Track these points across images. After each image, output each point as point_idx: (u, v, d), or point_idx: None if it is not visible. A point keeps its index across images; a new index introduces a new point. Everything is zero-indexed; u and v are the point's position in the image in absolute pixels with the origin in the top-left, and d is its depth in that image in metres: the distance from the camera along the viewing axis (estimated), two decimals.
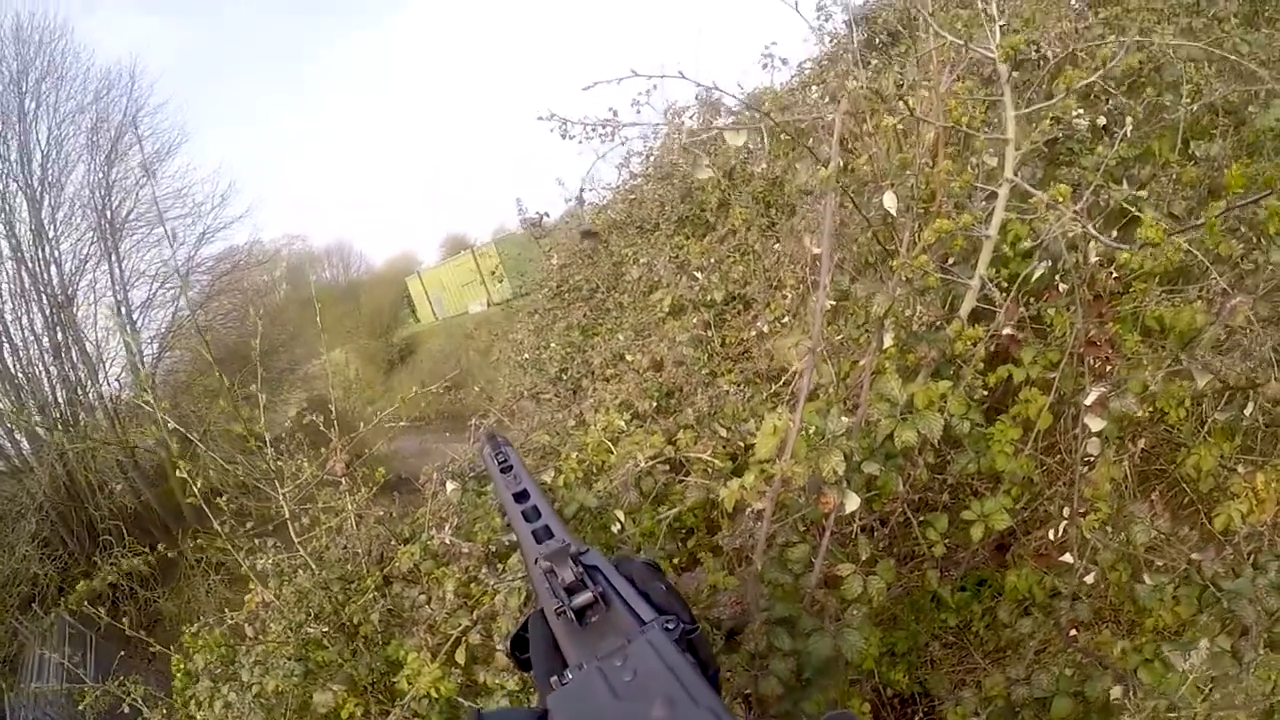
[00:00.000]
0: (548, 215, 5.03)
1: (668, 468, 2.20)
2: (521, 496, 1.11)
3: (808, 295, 2.82)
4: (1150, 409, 2.19)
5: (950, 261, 2.09)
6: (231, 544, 2.63)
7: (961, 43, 2.25)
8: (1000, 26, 2.29)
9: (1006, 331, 1.91)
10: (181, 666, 2.63)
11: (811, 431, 1.58)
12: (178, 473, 2.55)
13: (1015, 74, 2.42)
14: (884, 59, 4.26)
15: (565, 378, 4.00)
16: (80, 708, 3.01)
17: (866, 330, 2.14)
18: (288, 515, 2.67)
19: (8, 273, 15.30)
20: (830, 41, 5.18)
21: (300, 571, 2.59)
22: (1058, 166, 2.81)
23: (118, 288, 16.18)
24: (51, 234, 15.85)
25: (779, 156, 3.77)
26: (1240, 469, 2.29)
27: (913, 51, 2.56)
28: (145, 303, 16.52)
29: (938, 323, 1.92)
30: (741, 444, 2.18)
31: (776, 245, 3.30)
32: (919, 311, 1.85)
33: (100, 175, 16.31)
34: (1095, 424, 2.03)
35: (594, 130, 1.79)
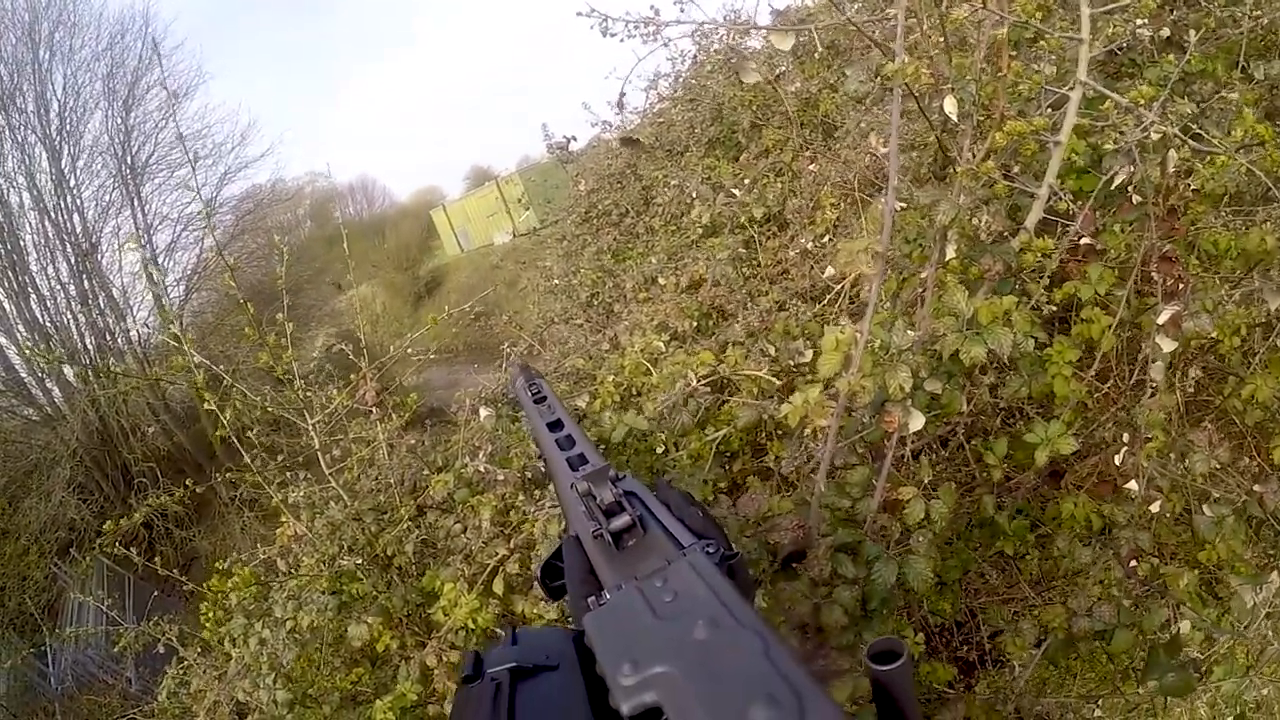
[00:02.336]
0: (575, 139, 4.89)
1: (709, 389, 2.11)
2: (555, 426, 1.11)
3: (850, 211, 2.70)
4: (1204, 336, 2.07)
5: (1017, 171, 1.95)
6: (262, 478, 2.59)
7: None
8: None
9: (1085, 241, 1.77)
10: (210, 613, 2.61)
11: (876, 345, 1.47)
12: (205, 407, 2.49)
13: None
14: None
15: (597, 302, 3.92)
16: (116, 649, 3.03)
17: (920, 243, 2.02)
18: (318, 447, 2.61)
19: (31, 223, 15.51)
20: None
21: (332, 503, 2.55)
22: (1118, 79, 2.64)
23: (141, 232, 16.24)
24: (73, 183, 15.98)
25: (814, 75, 3.60)
26: None
27: None
28: (170, 245, 16.66)
29: (1004, 233, 1.79)
30: (790, 362, 2.09)
31: (812, 166, 3.16)
32: (985, 221, 1.72)
33: (119, 121, 16.34)
34: (1167, 345, 1.90)
35: (635, 29, 1.66)
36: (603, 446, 2.03)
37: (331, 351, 2.88)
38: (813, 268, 2.59)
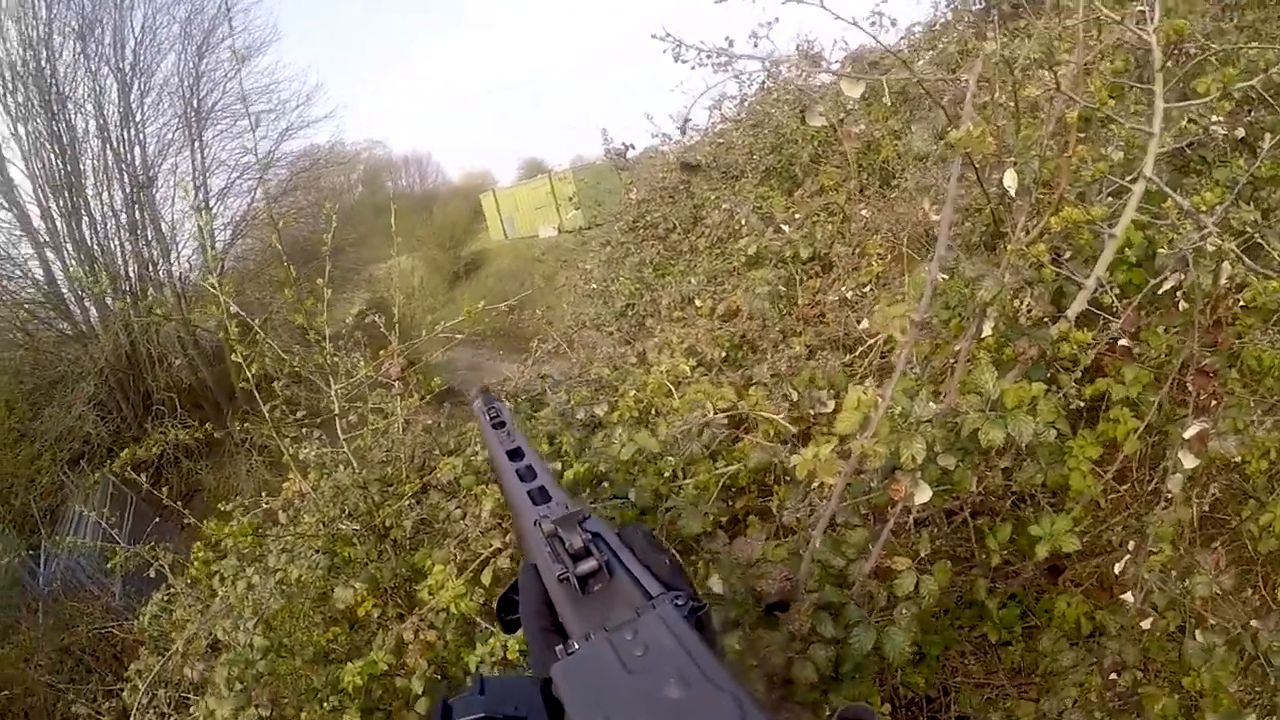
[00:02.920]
0: (633, 147, 4.91)
1: (725, 422, 2.11)
2: (515, 455, 1.06)
3: (895, 266, 2.69)
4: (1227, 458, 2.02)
5: (1067, 256, 1.93)
6: (278, 430, 2.62)
7: (1116, 19, 2.04)
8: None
9: (1122, 343, 1.76)
10: (200, 553, 2.64)
11: (897, 412, 1.47)
12: (233, 356, 2.53)
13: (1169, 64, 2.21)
14: (1006, 31, 4.01)
15: (631, 313, 3.93)
16: (109, 566, 3.09)
17: (959, 314, 2.00)
18: (336, 411, 2.65)
19: (93, 150, 15.92)
20: (946, 4, 4.95)
21: (341, 467, 2.58)
22: (1185, 174, 2.61)
23: (198, 173, 16.63)
24: (138, 117, 16.46)
25: (880, 120, 3.59)
26: None
27: (1051, 23, 2.35)
28: (223, 190, 17.06)
29: (1044, 319, 1.78)
30: (810, 411, 2.08)
31: (864, 211, 3.16)
32: (1027, 304, 1.71)
33: (190, 65, 16.76)
34: (1189, 461, 1.86)
35: (707, 57, 1.68)
36: (610, 463, 2.04)
37: (365, 319, 2.92)
38: (849, 316, 2.58)
